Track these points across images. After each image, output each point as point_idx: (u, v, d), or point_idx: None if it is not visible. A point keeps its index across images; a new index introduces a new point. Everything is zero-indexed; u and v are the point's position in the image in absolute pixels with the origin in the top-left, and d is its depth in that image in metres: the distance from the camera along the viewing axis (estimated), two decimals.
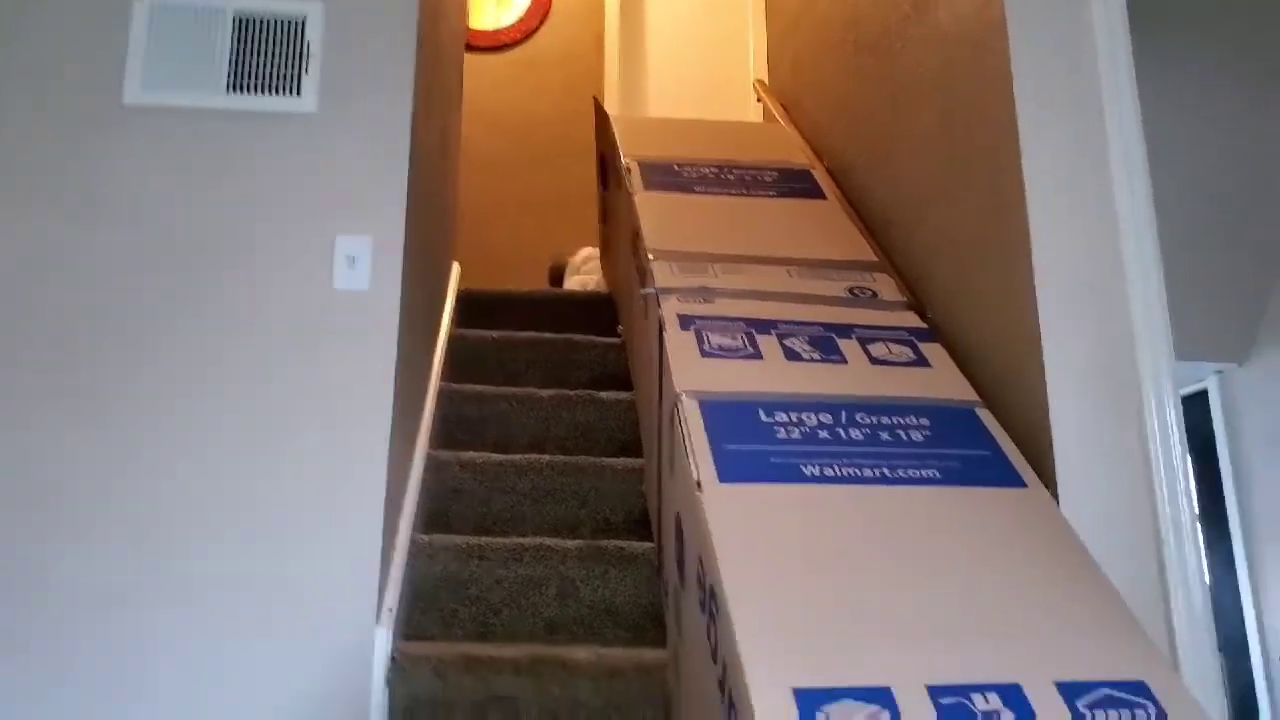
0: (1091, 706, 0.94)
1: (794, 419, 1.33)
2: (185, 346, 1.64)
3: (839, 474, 1.24)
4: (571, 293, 3.14)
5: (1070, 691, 0.96)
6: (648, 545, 1.88)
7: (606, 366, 2.55)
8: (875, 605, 1.05)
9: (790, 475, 1.23)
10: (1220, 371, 2.88)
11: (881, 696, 0.92)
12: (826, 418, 1.34)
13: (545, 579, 1.86)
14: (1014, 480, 1.27)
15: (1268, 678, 2.87)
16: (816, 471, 1.24)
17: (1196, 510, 1.39)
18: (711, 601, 1.10)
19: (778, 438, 1.30)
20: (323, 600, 1.57)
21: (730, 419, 1.33)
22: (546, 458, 2.13)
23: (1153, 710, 0.95)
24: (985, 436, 1.35)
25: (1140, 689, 0.97)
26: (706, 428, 1.31)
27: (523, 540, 1.89)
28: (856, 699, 0.92)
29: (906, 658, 0.98)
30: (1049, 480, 1.31)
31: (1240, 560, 2.95)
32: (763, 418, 1.34)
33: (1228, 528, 3.02)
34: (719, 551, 1.10)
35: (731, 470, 1.23)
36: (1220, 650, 3.07)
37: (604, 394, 2.36)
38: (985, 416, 1.40)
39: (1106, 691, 0.96)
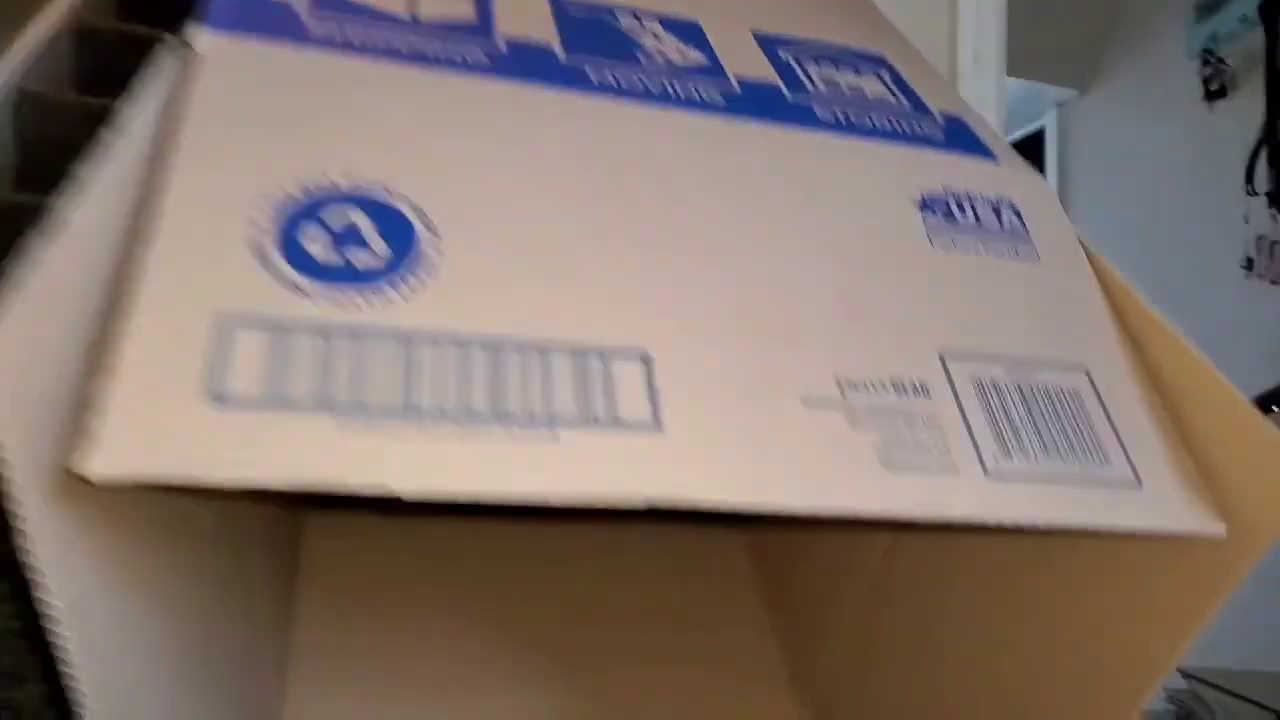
0: (797, 58, 0.60)
1: None
2: None
3: None
4: None
5: (771, 42, 0.61)
6: None
7: None
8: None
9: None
10: (1061, 104, 2.63)
11: None
12: None
13: None
14: None
15: None
16: None
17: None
18: None
19: None
20: None
21: None
22: None
23: (888, 75, 0.61)
24: None
25: (878, 60, 0.63)
26: None
27: None
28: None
29: None
30: None
31: None
32: None
33: None
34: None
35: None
36: None
37: None
38: None
39: (825, 50, 0.62)
